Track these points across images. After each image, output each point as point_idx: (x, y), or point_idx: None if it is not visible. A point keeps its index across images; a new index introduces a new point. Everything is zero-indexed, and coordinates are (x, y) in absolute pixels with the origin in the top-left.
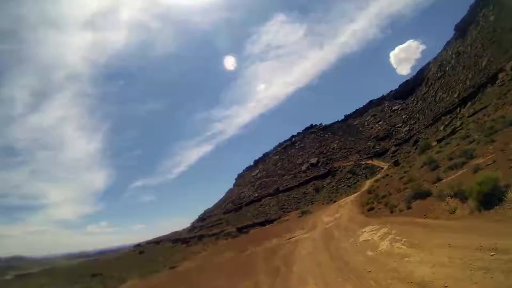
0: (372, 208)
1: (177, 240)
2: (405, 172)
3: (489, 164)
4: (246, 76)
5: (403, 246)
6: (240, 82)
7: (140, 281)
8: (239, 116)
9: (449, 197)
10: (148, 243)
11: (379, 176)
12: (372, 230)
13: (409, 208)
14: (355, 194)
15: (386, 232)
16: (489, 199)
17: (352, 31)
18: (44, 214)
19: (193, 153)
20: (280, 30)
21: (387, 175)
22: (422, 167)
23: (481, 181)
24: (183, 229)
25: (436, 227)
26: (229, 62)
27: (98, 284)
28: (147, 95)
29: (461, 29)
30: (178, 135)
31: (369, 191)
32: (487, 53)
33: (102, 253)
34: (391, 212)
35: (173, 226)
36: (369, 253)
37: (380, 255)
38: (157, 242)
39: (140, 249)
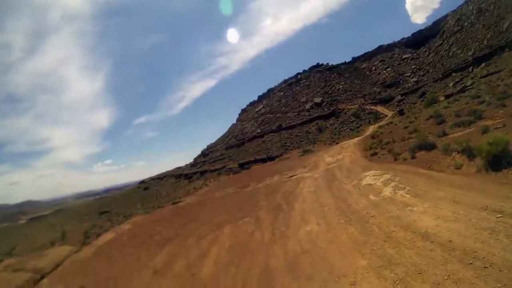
0: (375, 153)
1: (180, 175)
2: (410, 122)
3: (498, 127)
4: (252, 10)
5: (406, 195)
6: (246, 16)
7: (144, 216)
8: (244, 50)
9: (456, 152)
10: (153, 179)
11: (383, 122)
12: (375, 175)
13: (413, 157)
14: (358, 138)
15: (389, 178)
16: (497, 161)
17: None
18: (50, 158)
19: (196, 88)
20: None
21: (391, 122)
22: (428, 119)
23: (492, 141)
24: (186, 165)
25: (441, 179)
26: None
27: (105, 220)
28: (149, 29)
29: None
30: (181, 69)
31: (372, 136)
32: (511, 16)
33: (108, 191)
34: (395, 159)
35: (176, 161)
36: (372, 197)
37: (383, 201)
38: (161, 178)
39: (144, 185)
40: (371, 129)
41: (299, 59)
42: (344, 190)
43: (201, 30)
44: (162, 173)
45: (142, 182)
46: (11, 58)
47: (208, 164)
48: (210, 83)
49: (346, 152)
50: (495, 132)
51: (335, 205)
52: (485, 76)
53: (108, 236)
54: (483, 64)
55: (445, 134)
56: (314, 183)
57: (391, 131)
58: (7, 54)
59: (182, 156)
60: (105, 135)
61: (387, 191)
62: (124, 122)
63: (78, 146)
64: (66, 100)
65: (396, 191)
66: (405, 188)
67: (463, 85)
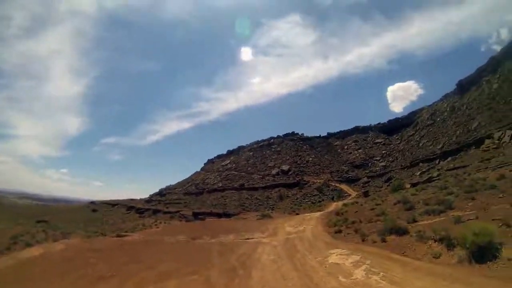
0: (340, 231)
1: (132, 208)
2: (377, 205)
3: (471, 219)
4: (244, 65)
5: (382, 281)
6: (238, 69)
7: (83, 240)
8: (227, 101)
9: (433, 240)
10: (104, 203)
11: (347, 201)
12: (341, 254)
13: (384, 241)
14: (321, 212)
15: (358, 260)
16: (482, 253)
17: (360, 54)
18: (10, 145)
19: (172, 125)
20: (291, 30)
21: (356, 202)
22: (395, 204)
23: (478, 232)
24: (140, 199)
25: (419, 268)
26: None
27: (40, 231)
28: (144, 54)
29: (463, 87)
30: (163, 103)
31: (337, 213)
32: (480, 117)
33: (55, 200)
34: (363, 240)
35: (132, 192)
36: (342, 279)
37: (356, 285)
38: (112, 204)
39: (94, 206)
40: (333, 205)
41: (276, 124)
42: (308, 264)
43: (193, 71)
44: (115, 199)
45: (93, 202)
46: (7, 32)
47: (163, 204)
48: (186, 125)
49: (307, 224)
50: (480, 222)
51: (299, 281)
52: (451, 170)
53: (35, 251)
54: (449, 158)
55: (414, 220)
56: (274, 251)
57: (356, 211)
58: (4, 26)
59: (138, 188)
60: (70, 143)
61: (359, 274)
62: (92, 137)
63: (39, 143)
64: (44, 93)
65: (369, 276)
66: (379, 273)
67: (429, 175)
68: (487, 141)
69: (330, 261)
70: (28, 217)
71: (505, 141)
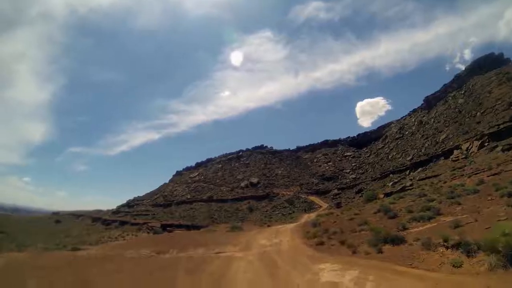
0: (322, 243)
1: (98, 219)
2: (355, 214)
3: (469, 222)
4: (214, 79)
5: None
6: (206, 82)
7: (29, 256)
8: (195, 114)
9: (443, 247)
10: (68, 214)
11: (322, 212)
12: (334, 270)
13: (380, 252)
14: (294, 224)
15: (358, 276)
16: None
17: (330, 70)
18: None
19: (139, 136)
20: (262, 45)
21: (331, 213)
22: (375, 213)
23: (509, 232)
24: (107, 210)
25: (442, 282)
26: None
27: None
28: (114, 63)
29: (430, 102)
30: (132, 114)
31: (314, 224)
32: (447, 129)
33: (17, 210)
34: (353, 252)
35: (97, 203)
36: None
37: None
38: (77, 215)
39: (57, 217)
40: (305, 217)
41: (245, 137)
42: (295, 285)
43: (162, 82)
44: (80, 210)
45: (56, 213)
46: None
47: (130, 216)
48: (154, 136)
49: (283, 236)
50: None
51: None
52: (423, 179)
53: None
54: (419, 169)
55: (405, 228)
56: (251, 268)
57: (335, 221)
58: None
59: (106, 200)
60: (33, 151)
61: None
62: (57, 145)
63: (1, 149)
64: (7, 97)
65: None
66: None
67: (402, 185)
68: (455, 152)
69: (323, 280)
70: None
71: (473, 151)
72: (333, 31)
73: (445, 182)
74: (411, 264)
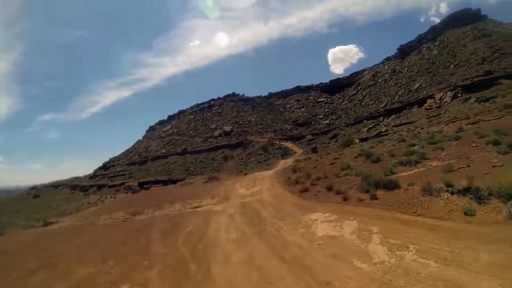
0: (306, 189)
1: (76, 186)
2: (335, 159)
3: (462, 167)
4: (184, 28)
5: (428, 261)
6: (176, 33)
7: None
8: (166, 66)
9: (448, 193)
10: (46, 186)
11: (300, 157)
12: (329, 221)
13: (374, 198)
14: (272, 170)
15: (358, 227)
16: None
17: (302, 17)
18: None
19: (111, 95)
20: None
21: (310, 158)
22: (356, 157)
23: None
24: (85, 176)
25: (458, 232)
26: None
27: None
28: (76, 22)
29: (403, 51)
30: (100, 72)
31: (294, 170)
32: (421, 79)
33: None
34: (344, 199)
35: (75, 170)
36: (361, 265)
37: (394, 274)
38: (55, 186)
39: (35, 192)
40: (282, 163)
41: (216, 86)
42: (290, 243)
43: (131, 36)
44: (57, 181)
45: (33, 188)
46: None
47: (107, 179)
48: (126, 93)
49: (262, 184)
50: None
51: (292, 279)
52: (397, 126)
53: None
54: (393, 116)
55: (392, 172)
56: (233, 224)
57: (315, 166)
58: None
59: (82, 164)
60: (0, 126)
61: (379, 252)
62: (25, 117)
63: None
64: None
65: (398, 253)
66: (408, 247)
67: (378, 130)
68: (429, 101)
69: (319, 234)
70: None
71: (447, 101)
72: None
73: (422, 128)
74: (415, 212)
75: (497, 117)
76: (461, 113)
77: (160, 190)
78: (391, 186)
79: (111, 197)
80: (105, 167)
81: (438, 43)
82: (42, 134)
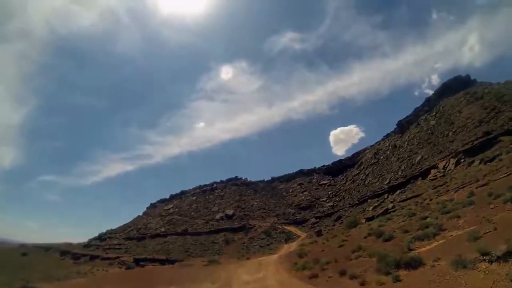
0: (315, 275)
1: (67, 252)
2: (343, 241)
3: (488, 232)
4: (190, 109)
5: None
6: (183, 113)
7: None
8: (170, 146)
9: (486, 261)
10: (36, 246)
11: (304, 241)
12: None
13: (397, 280)
14: (276, 255)
15: None
16: None
17: (304, 101)
18: None
19: (115, 167)
20: (237, 76)
21: (315, 241)
22: (366, 237)
23: None
24: (78, 243)
25: None
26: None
27: None
28: (90, 88)
29: (402, 126)
30: (106, 142)
31: (300, 255)
32: (422, 151)
33: None
34: (362, 284)
35: (70, 236)
36: None
37: None
38: (46, 248)
39: (24, 250)
40: (285, 247)
41: (219, 169)
42: None
43: (138, 111)
44: (49, 243)
45: (24, 245)
46: None
47: (101, 250)
48: (128, 167)
49: (266, 270)
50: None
51: None
52: (404, 200)
53: None
54: (398, 191)
55: (410, 249)
56: None
57: (323, 250)
58: None
59: (77, 232)
60: (1, 176)
61: None
62: (28, 172)
63: None
64: None
65: None
66: None
67: (384, 208)
68: (433, 171)
69: None
70: None
71: (450, 169)
72: (307, 61)
73: (431, 200)
74: None
75: (507, 174)
76: (469, 177)
77: (156, 270)
78: (414, 264)
79: (103, 269)
80: (100, 238)
81: (434, 113)
82: (42, 193)
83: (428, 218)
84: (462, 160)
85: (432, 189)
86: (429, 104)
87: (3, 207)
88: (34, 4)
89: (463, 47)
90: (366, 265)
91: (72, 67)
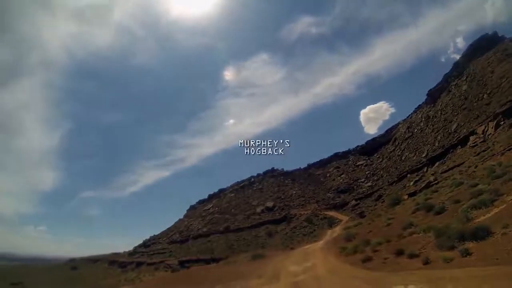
0: (369, 258)
1: (114, 262)
2: (389, 219)
3: None
4: (218, 108)
5: None
6: (211, 113)
7: None
8: (203, 147)
9: None
10: (84, 259)
11: (348, 224)
12: None
13: (467, 254)
14: (321, 242)
15: None
16: None
17: (329, 84)
18: None
19: (150, 175)
20: (260, 69)
21: (360, 223)
22: (414, 212)
23: None
24: (124, 252)
25: None
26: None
27: None
28: (116, 104)
29: (433, 95)
30: (138, 153)
31: (348, 238)
32: (457, 118)
33: (33, 259)
34: (425, 263)
35: (115, 246)
36: None
37: None
38: (93, 260)
39: (73, 264)
40: (329, 233)
41: (254, 163)
42: None
43: (166, 118)
44: (96, 255)
45: (72, 260)
46: None
47: (146, 256)
48: (164, 173)
49: (314, 258)
50: None
51: None
52: (446, 171)
53: None
54: (437, 163)
55: (468, 219)
56: None
57: (370, 231)
58: None
59: (122, 241)
60: (45, 199)
61: None
62: (69, 191)
63: (14, 199)
64: (15, 146)
65: None
66: None
67: (426, 181)
68: (472, 138)
69: None
70: (2, 279)
71: (491, 133)
72: (327, 44)
73: (476, 167)
74: None
75: None
76: None
77: (201, 270)
78: (481, 234)
79: (149, 275)
80: (145, 244)
81: (465, 77)
82: (84, 209)
83: (479, 185)
84: (502, 123)
85: (474, 156)
86: (458, 69)
87: (50, 226)
88: (49, 32)
89: (485, 4)
90: (423, 242)
91: (95, 87)
